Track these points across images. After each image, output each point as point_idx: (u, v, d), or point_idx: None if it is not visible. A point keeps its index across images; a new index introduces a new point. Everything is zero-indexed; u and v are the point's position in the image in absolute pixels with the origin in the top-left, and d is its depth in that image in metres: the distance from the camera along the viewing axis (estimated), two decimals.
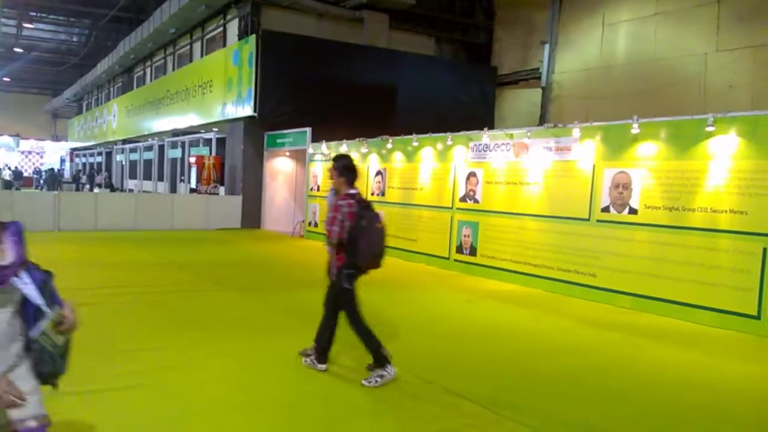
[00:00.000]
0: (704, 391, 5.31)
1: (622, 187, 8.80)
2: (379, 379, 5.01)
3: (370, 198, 14.01)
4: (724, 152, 7.73)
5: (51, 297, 2.46)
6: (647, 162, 8.55)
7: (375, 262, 5.11)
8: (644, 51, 15.72)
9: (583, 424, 4.46)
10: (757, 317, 7.24)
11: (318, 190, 16.31)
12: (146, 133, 27.92)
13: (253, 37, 17.52)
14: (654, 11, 15.42)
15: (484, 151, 11.18)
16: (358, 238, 4.94)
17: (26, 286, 2.40)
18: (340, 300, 5.22)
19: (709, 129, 7.79)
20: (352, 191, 5.18)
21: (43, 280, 2.46)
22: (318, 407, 4.57)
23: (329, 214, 5.14)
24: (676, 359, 6.29)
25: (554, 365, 5.94)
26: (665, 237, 8.22)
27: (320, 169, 16.30)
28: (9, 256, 2.38)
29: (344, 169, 5.31)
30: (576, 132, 9.46)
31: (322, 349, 5.36)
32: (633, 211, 8.63)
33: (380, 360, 5.08)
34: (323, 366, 5.34)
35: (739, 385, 5.52)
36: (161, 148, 27.91)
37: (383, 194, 13.79)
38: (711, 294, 7.68)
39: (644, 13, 15.69)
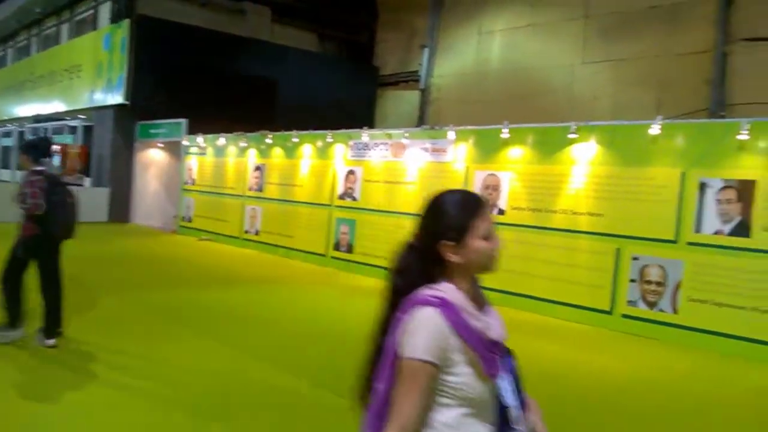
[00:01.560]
0: (560, 380, 5.67)
1: (491, 189, 9.20)
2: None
3: (248, 193, 13.80)
4: (584, 158, 8.28)
5: (519, 393, 1.88)
6: (515, 165, 8.99)
7: (68, 233, 5.61)
8: (517, 60, 16.49)
9: None
10: (609, 312, 7.82)
11: (193, 183, 15.80)
12: (5, 118, 25.86)
13: (126, 22, 16.68)
14: (526, 23, 16.21)
15: (364, 149, 11.31)
16: (51, 210, 5.35)
17: (502, 379, 1.78)
18: (40, 268, 5.58)
19: (572, 136, 8.32)
20: (39, 168, 5.46)
21: (517, 367, 1.86)
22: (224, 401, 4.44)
23: (21, 190, 5.40)
24: (536, 352, 6.65)
25: None
26: (530, 237, 8.68)
27: (196, 163, 15.81)
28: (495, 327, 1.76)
29: (28, 147, 5.68)
30: (451, 134, 9.79)
31: (54, 321, 5.59)
32: (501, 212, 9.05)
33: (13, 322, 5.57)
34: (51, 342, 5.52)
35: (591, 375, 5.94)
36: (21, 134, 25.91)
37: (261, 190, 13.60)
38: (570, 291, 8.20)
39: (517, 23, 16.46)
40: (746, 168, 6.95)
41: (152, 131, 17.32)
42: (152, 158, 18.14)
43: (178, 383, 4.92)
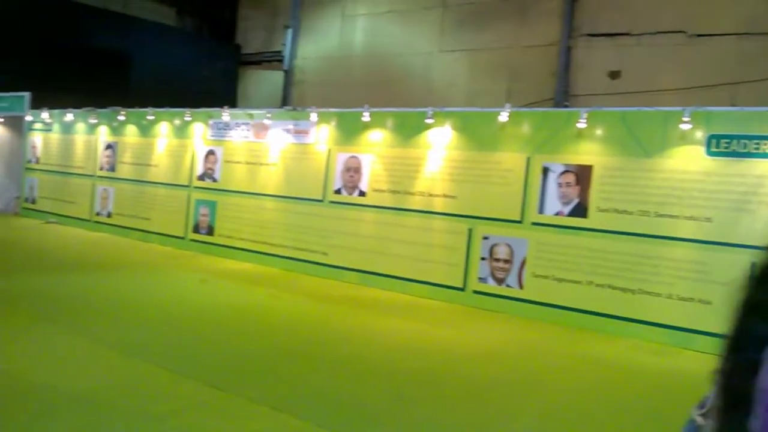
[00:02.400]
0: (414, 354, 5.94)
1: (353, 171, 9.37)
2: None
3: (99, 173, 13.06)
4: (440, 143, 8.64)
5: None
6: (376, 148, 9.20)
7: None
8: (378, 45, 16.77)
9: (313, 393, 4.71)
10: (462, 289, 8.27)
11: (38, 162, 14.69)
12: None
13: None
14: (387, 9, 16.51)
15: (225, 129, 11.06)
16: None
17: None
18: None
19: (429, 121, 8.64)
20: None
21: None
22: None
23: None
24: (394, 328, 6.92)
25: (284, 340, 6.17)
26: (389, 218, 8.96)
27: (40, 140, 14.70)
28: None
29: None
30: (313, 116, 9.83)
31: None
32: (362, 194, 9.24)
33: None
34: None
35: (442, 348, 6.27)
36: None
37: (113, 169, 12.90)
38: (426, 269, 8.57)
39: (378, 9, 16.72)
40: (584, 154, 7.58)
41: None
42: None
43: (13, 373, 4.63)
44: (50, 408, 4.05)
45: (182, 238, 11.49)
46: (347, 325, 6.95)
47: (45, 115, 14.40)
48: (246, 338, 6.15)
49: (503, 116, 8.10)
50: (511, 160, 8.05)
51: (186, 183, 11.56)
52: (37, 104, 14.63)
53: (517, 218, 7.92)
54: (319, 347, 6.00)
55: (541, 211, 7.77)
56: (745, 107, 6.97)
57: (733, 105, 7.13)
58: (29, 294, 7.28)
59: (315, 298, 8.11)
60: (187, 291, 8.28)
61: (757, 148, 6.59)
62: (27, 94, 14.82)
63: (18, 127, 15.82)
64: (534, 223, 7.81)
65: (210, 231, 11.10)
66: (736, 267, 6.57)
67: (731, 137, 6.73)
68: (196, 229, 11.31)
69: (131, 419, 3.99)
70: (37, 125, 14.78)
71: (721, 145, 6.79)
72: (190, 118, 11.55)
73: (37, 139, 14.83)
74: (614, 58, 12.87)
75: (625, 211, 7.26)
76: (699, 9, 11.83)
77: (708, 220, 6.79)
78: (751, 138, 6.63)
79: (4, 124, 16.53)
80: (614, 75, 12.91)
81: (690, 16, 11.91)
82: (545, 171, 7.79)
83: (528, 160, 7.92)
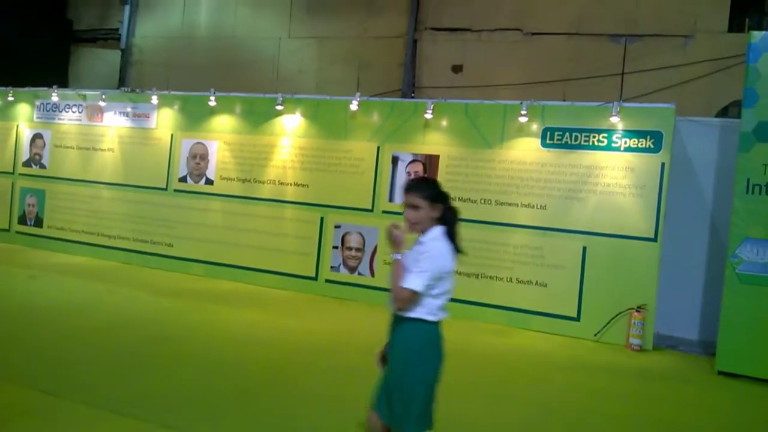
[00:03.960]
0: (264, 346, 5.82)
1: (199, 158, 8.98)
2: None
3: None
4: (290, 130, 8.51)
5: None
6: (223, 135, 8.88)
7: None
8: (225, 27, 16.18)
9: (156, 393, 4.45)
10: (315, 278, 8.24)
11: None
12: None
13: None
14: None
15: (54, 111, 10.16)
16: None
17: None
18: None
19: (279, 108, 8.48)
20: None
21: None
22: None
23: None
24: (242, 320, 6.74)
25: (122, 338, 5.78)
26: (238, 207, 8.70)
27: None
28: None
29: None
30: (154, 99, 9.28)
31: None
32: (209, 182, 8.89)
33: None
34: None
35: (292, 338, 6.20)
36: None
37: None
38: (278, 259, 8.43)
39: None
40: (431, 144, 7.81)
41: None
42: None
43: None
44: None
45: (6, 230, 10.42)
46: (192, 319, 6.67)
47: None
48: (81, 338, 5.69)
49: (353, 105, 8.13)
50: (361, 148, 8.11)
51: (10, 170, 10.48)
52: None
53: (369, 207, 8.00)
54: (161, 344, 5.69)
55: (391, 199, 7.91)
56: (576, 102, 7.52)
57: (565, 100, 7.68)
58: None
59: (158, 293, 7.69)
60: (13, 288, 7.52)
61: (587, 141, 7.14)
62: None
63: None
64: (385, 212, 7.93)
65: (38, 222, 10.15)
66: (569, 251, 7.12)
67: (564, 130, 7.24)
68: (23, 221, 10.31)
69: None
70: None
71: (554, 138, 7.28)
72: (12, 99, 10.48)
73: None
74: (457, 53, 13.37)
75: (469, 200, 7.58)
76: (533, 8, 12.57)
77: (543, 207, 7.27)
78: (581, 131, 7.17)
79: None
80: (457, 69, 13.41)
81: (525, 15, 12.63)
82: (395, 160, 7.94)
83: (378, 149, 8.02)
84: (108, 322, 6.30)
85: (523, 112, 7.31)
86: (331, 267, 8.16)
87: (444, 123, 7.80)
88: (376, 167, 8.01)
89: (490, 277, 7.40)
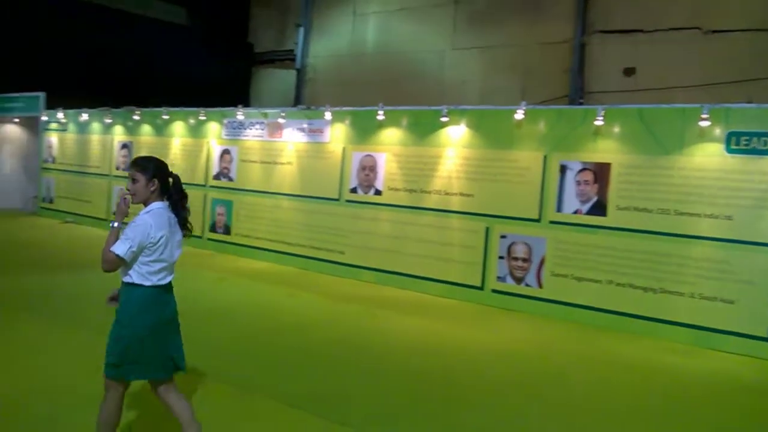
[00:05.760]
0: (434, 353, 5.95)
1: (368, 170, 9.37)
2: None
3: (115, 173, 13.13)
4: (455, 141, 8.63)
5: None
6: (391, 147, 9.20)
7: None
8: (390, 43, 16.76)
9: (332, 391, 4.74)
10: (481, 288, 8.26)
11: (54, 162, 14.79)
12: None
13: None
14: (399, 6, 16.48)
15: (239, 128, 11.10)
16: None
17: None
18: None
19: (444, 119, 8.63)
20: None
21: None
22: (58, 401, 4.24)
23: None
24: (411, 327, 6.92)
25: (301, 339, 6.19)
26: (405, 216, 8.96)
27: (56, 140, 14.81)
28: None
29: None
30: (327, 115, 9.84)
31: None
32: (378, 192, 9.25)
33: None
34: None
35: (461, 347, 6.27)
36: None
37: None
38: (443, 268, 8.56)
39: (390, 7, 16.70)
40: (602, 151, 7.55)
41: (6, 105, 15.95)
42: (7, 134, 16.69)
43: (41, 374, 4.68)
44: (67, 409, 4.09)
45: (200, 237, 11.54)
46: (364, 323, 6.97)
47: (60, 115, 14.50)
48: (263, 336, 6.18)
49: (519, 114, 8.07)
50: (527, 158, 8.03)
51: (202, 182, 11.61)
52: (52, 104, 14.73)
53: (535, 217, 7.90)
54: (336, 346, 6.02)
55: (559, 209, 7.75)
56: (762, 104, 6.92)
57: (748, 102, 7.07)
58: (46, 292, 7.34)
59: (332, 297, 8.12)
60: (205, 289, 8.31)
61: None
62: (42, 94, 14.94)
63: (33, 127, 15.94)
64: (552, 222, 7.79)
65: (227, 230, 11.14)
66: (759, 265, 6.55)
67: (752, 134, 6.69)
68: (213, 228, 11.36)
69: (153, 413, 4.02)
70: (53, 125, 14.88)
71: (741, 143, 6.75)
72: (204, 118, 11.59)
73: (52, 139, 14.93)
74: (628, 55, 12.80)
75: (644, 209, 7.23)
76: (713, 4, 11.74)
77: (729, 218, 6.75)
78: None
79: (19, 124, 16.66)
80: (628, 72, 12.84)
81: (703, 13, 11.82)
82: (563, 169, 7.77)
83: (545, 158, 7.89)
84: (289, 324, 6.78)
85: (704, 116, 6.85)
86: (498, 277, 8.14)
87: (616, 129, 7.51)
88: (543, 177, 7.89)
89: (670, 292, 6.99)
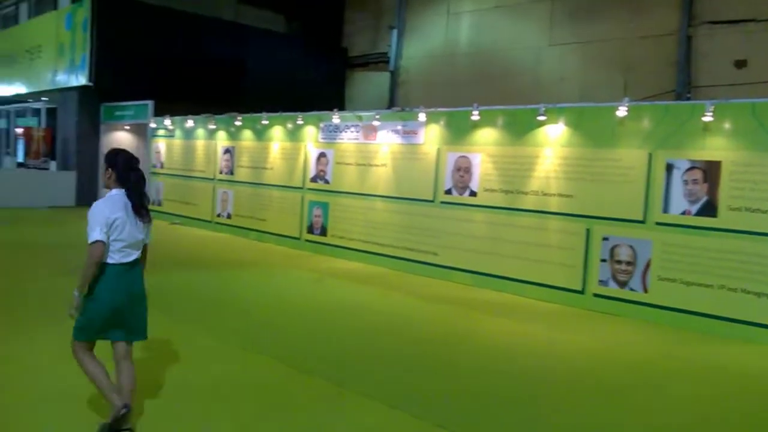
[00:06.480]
0: (534, 357, 5.81)
1: (463, 171, 9.29)
2: None
3: (219, 177, 13.69)
4: (553, 140, 8.40)
5: None
6: (486, 147, 9.07)
7: None
8: (485, 41, 16.57)
9: (428, 392, 4.72)
10: (581, 292, 7.99)
11: (162, 167, 15.61)
12: None
13: (88, 1, 16.29)
14: (494, 4, 16.27)
15: (335, 132, 11.29)
16: None
17: None
18: None
19: (541, 118, 8.42)
20: None
21: None
22: (174, 395, 4.45)
23: None
24: (507, 330, 6.80)
25: (397, 339, 6.21)
26: (501, 218, 8.81)
27: (164, 146, 15.62)
28: None
29: None
30: (422, 117, 9.83)
31: None
32: (473, 194, 9.15)
33: None
34: None
35: (564, 353, 6.09)
36: None
37: (232, 173, 13.50)
38: (541, 271, 8.36)
39: (485, 5, 16.51)
40: (711, 149, 7.13)
41: (117, 113, 17.02)
42: (119, 141, 17.80)
43: (153, 368, 4.92)
44: (174, 400, 4.28)
45: (297, 238, 11.84)
46: (459, 326, 6.91)
47: (167, 122, 15.28)
48: (359, 336, 6.25)
49: (621, 111, 7.75)
50: (631, 156, 7.70)
51: (299, 185, 11.89)
52: (159, 112, 15.55)
53: (640, 218, 7.56)
54: (431, 347, 6.00)
55: (665, 210, 7.38)
56: None
57: None
58: (156, 290, 7.72)
59: (425, 299, 8.11)
60: (303, 289, 8.52)
61: None
62: (150, 103, 15.79)
63: (142, 133, 16.92)
64: (658, 223, 7.43)
65: (323, 231, 11.36)
66: None
67: None
68: (310, 230, 11.62)
69: (255, 410, 4.14)
70: (160, 132, 15.70)
71: None
72: (302, 122, 11.87)
73: (160, 144, 15.76)
74: (739, 46, 12.06)
75: (758, 210, 6.77)
76: None
77: None
78: None
79: (130, 131, 17.72)
80: (740, 64, 12.10)
81: None
82: (669, 168, 7.39)
83: (650, 156, 7.54)
84: (384, 323, 6.82)
85: None
86: (599, 281, 7.84)
87: (726, 125, 7.07)
88: (647, 176, 7.54)
89: None
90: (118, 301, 3.65)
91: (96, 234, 3.53)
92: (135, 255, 3.74)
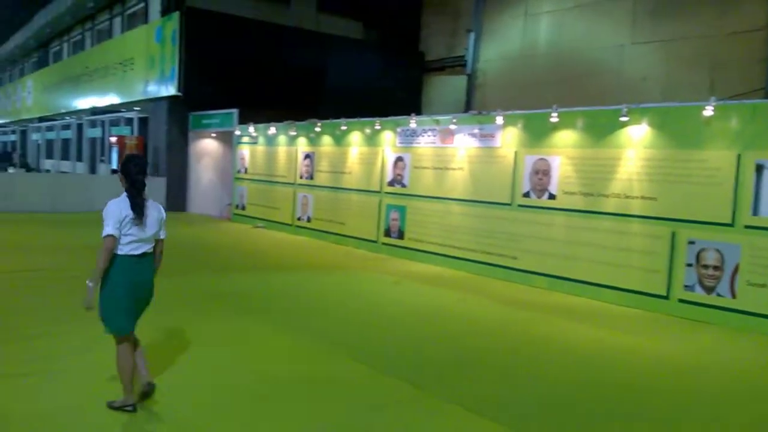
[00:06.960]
0: (618, 365, 5.71)
1: (541, 174, 9.21)
2: None
3: (299, 181, 14.06)
4: (636, 141, 8.21)
5: None
6: (565, 149, 8.96)
7: None
8: (564, 42, 16.30)
9: (507, 398, 4.74)
10: (666, 297, 7.77)
11: (246, 172, 16.18)
12: (63, 111, 26.81)
13: (176, 14, 17.11)
14: (574, 4, 15.99)
15: (412, 136, 11.41)
16: None
17: None
18: None
19: (623, 119, 8.25)
20: None
21: None
22: (239, 394, 4.67)
23: None
24: (587, 336, 6.70)
25: (476, 344, 6.23)
26: (581, 221, 8.68)
27: (247, 152, 16.18)
28: None
29: None
30: (499, 119, 9.80)
31: None
32: (552, 197, 9.05)
33: None
34: None
35: (648, 360, 5.95)
36: (79, 126, 26.87)
37: (312, 177, 13.85)
38: (622, 275, 8.18)
39: (565, 5, 16.25)
40: None
41: (205, 122, 17.76)
42: (206, 148, 18.60)
43: (242, 367, 5.15)
44: (276, 394, 4.47)
45: (374, 241, 12.02)
46: (539, 331, 6.85)
47: (251, 129, 15.82)
48: (437, 339, 6.31)
49: (708, 110, 7.51)
50: (718, 157, 7.44)
51: (377, 189, 12.08)
52: (244, 119, 16.13)
53: (728, 221, 7.29)
54: (511, 353, 5.99)
55: (755, 212, 7.09)
56: None
57: None
58: (241, 291, 8.07)
59: (504, 303, 8.08)
60: (381, 292, 8.66)
61: None
62: (235, 111, 16.40)
63: (228, 140, 17.59)
64: (748, 226, 7.15)
65: (400, 235, 11.49)
66: None
67: None
68: (388, 233, 11.78)
69: (337, 411, 4.28)
70: (245, 138, 16.28)
71: None
72: (379, 127, 12.06)
73: (244, 151, 16.34)
74: None
75: None
76: None
77: None
78: None
79: (216, 138, 18.44)
80: None
81: None
82: (759, 169, 7.10)
83: (738, 157, 7.27)
84: (463, 328, 6.86)
85: None
86: (685, 286, 7.60)
87: None
88: (736, 177, 7.26)
89: None
90: (128, 285, 4.03)
91: (109, 229, 3.93)
92: (144, 248, 4.10)
